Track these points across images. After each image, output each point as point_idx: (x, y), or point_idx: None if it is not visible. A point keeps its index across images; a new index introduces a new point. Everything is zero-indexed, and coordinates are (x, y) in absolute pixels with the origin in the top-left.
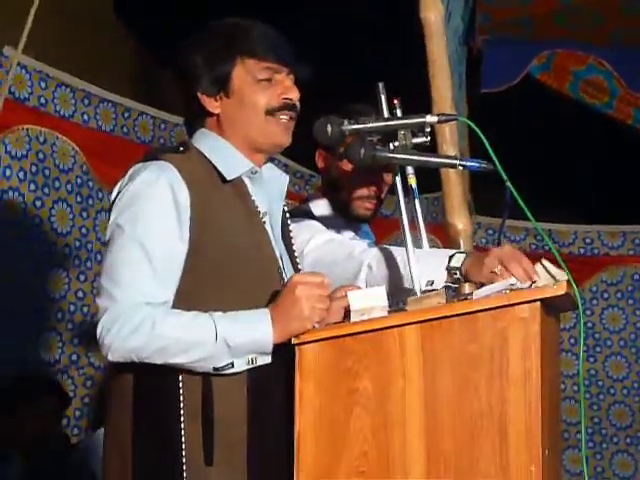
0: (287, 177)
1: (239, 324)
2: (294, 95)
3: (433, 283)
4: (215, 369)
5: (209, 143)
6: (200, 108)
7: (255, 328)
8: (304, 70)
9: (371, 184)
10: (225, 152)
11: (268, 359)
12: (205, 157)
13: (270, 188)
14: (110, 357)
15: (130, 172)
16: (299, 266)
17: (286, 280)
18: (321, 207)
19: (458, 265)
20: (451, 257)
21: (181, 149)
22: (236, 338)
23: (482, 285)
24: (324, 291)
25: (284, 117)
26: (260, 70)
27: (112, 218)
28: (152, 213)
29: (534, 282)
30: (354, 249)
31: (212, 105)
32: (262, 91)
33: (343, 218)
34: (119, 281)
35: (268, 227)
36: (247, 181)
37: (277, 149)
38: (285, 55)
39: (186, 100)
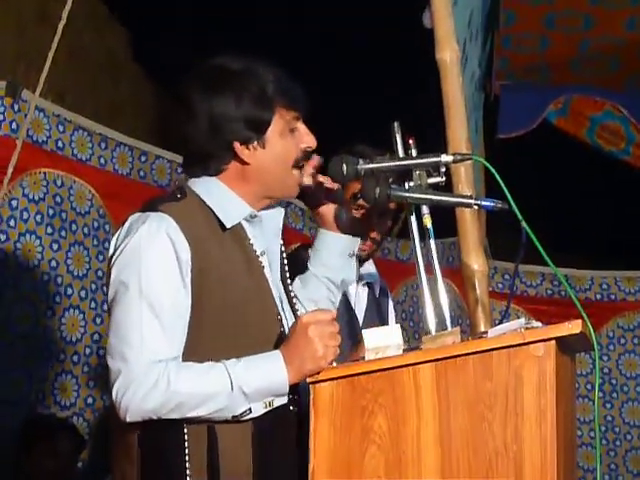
0: (282, 211)
1: (253, 370)
2: (314, 144)
3: None
4: (234, 417)
5: (208, 188)
6: (226, 154)
7: (270, 373)
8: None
9: (372, 227)
10: (224, 198)
11: (285, 400)
12: (203, 203)
13: (267, 225)
14: (128, 419)
15: (128, 224)
16: (296, 306)
17: (288, 323)
18: None
19: None
20: None
21: (179, 196)
22: (252, 385)
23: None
24: (335, 328)
25: (304, 168)
26: (290, 120)
27: (114, 275)
28: (155, 269)
29: None
30: None
31: (246, 154)
32: (291, 143)
33: None
34: (129, 341)
35: (267, 269)
36: (245, 224)
37: (287, 198)
38: (304, 103)
39: (210, 143)
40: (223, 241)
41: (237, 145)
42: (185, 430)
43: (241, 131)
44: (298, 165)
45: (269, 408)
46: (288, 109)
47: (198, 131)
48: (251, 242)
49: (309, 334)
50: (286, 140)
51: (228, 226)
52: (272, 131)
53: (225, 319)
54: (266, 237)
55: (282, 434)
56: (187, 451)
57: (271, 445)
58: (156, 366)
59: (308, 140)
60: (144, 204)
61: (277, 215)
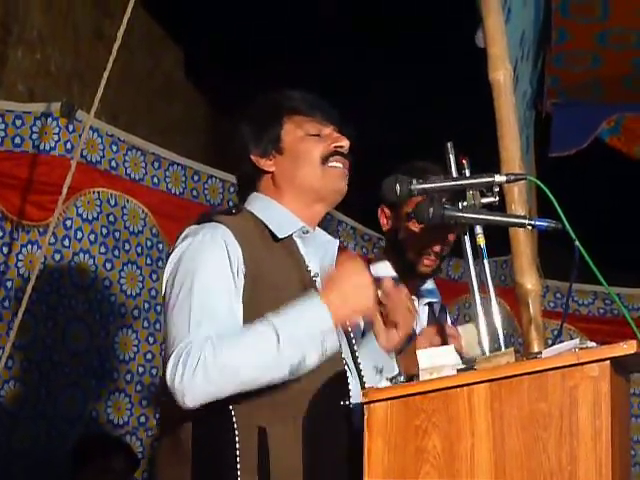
0: (337, 241)
1: (290, 317)
2: (344, 143)
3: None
4: (292, 373)
5: (260, 205)
6: (254, 170)
7: (307, 312)
8: (348, 130)
9: (435, 242)
10: (276, 212)
11: (336, 342)
12: (257, 218)
13: (322, 251)
14: (188, 402)
15: (185, 233)
16: (349, 328)
17: (339, 334)
18: (382, 269)
19: None
20: None
21: (234, 211)
22: (292, 329)
23: (553, 344)
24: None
25: (338, 163)
26: (309, 126)
27: (167, 276)
28: (208, 270)
29: None
30: None
31: (266, 164)
32: (314, 143)
33: (405, 279)
34: (179, 332)
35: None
36: (299, 241)
37: (335, 196)
38: (330, 114)
39: (240, 165)
40: (275, 252)
41: (254, 158)
42: (236, 429)
43: (255, 144)
44: (326, 160)
45: (325, 356)
46: (304, 116)
47: (233, 155)
48: (304, 258)
49: (344, 279)
50: (307, 143)
51: (280, 236)
52: (287, 137)
53: None
54: (320, 261)
55: (332, 437)
56: (238, 451)
57: (321, 447)
58: (202, 343)
59: (336, 140)
60: (199, 216)
61: (332, 244)
